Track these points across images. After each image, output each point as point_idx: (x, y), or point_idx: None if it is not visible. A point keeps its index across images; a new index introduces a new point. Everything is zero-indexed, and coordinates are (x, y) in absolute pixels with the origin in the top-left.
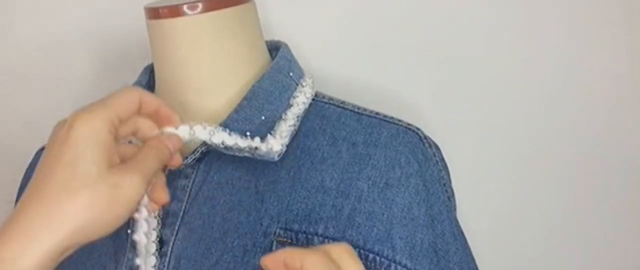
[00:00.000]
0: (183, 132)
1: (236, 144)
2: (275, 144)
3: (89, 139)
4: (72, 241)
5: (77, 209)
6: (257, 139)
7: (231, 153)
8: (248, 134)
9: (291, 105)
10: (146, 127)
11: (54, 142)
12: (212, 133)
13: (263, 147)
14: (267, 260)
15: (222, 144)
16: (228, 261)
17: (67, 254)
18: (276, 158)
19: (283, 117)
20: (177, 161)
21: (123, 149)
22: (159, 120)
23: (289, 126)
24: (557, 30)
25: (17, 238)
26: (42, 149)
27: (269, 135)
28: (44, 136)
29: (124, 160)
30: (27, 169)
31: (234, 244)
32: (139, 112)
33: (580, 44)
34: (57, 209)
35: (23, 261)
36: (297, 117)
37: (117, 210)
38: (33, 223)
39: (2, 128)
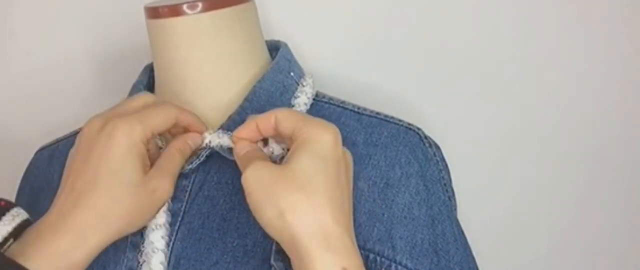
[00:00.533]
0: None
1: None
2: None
3: (129, 150)
4: (114, 238)
5: (122, 212)
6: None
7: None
8: None
9: (292, 106)
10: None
11: (93, 146)
12: (221, 139)
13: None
14: (240, 133)
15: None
16: (228, 261)
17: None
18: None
19: None
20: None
21: (149, 151)
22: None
23: None
24: (558, 30)
25: (67, 235)
26: (42, 148)
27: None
28: (44, 136)
29: (151, 161)
30: (27, 169)
31: (234, 244)
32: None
33: (581, 43)
34: (106, 214)
35: (73, 254)
36: None
37: (152, 211)
38: (82, 223)
39: (2, 128)
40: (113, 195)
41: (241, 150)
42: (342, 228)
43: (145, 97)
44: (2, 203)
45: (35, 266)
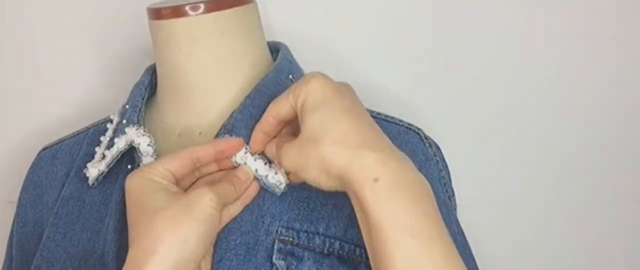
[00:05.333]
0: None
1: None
2: (283, 178)
3: (144, 186)
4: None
5: (168, 233)
6: (267, 166)
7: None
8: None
9: None
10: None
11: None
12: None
13: (271, 179)
14: (255, 141)
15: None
16: (230, 259)
17: None
18: (279, 193)
19: None
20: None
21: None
22: (225, 156)
23: None
24: (558, 30)
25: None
26: (45, 149)
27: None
28: (45, 136)
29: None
30: (30, 168)
31: (237, 242)
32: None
33: (581, 44)
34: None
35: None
36: None
37: (197, 224)
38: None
39: (3, 128)
40: (153, 224)
41: (270, 149)
42: (373, 138)
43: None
44: None
45: None
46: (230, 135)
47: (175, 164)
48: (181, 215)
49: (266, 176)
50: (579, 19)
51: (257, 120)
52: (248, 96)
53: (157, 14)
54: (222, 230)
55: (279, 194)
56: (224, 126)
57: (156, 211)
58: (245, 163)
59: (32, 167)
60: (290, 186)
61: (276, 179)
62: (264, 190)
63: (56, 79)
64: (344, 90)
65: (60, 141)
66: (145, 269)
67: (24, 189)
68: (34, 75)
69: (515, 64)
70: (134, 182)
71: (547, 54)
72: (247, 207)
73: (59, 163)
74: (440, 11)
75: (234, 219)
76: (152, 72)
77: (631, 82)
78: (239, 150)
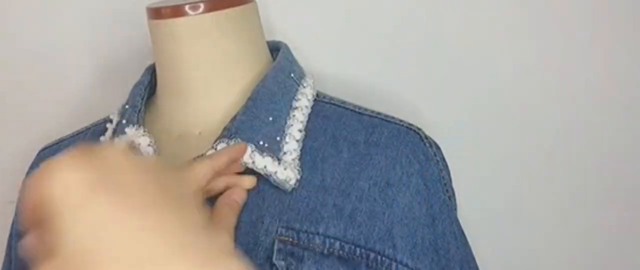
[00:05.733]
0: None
1: (265, 167)
2: (292, 174)
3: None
4: None
5: None
6: (275, 163)
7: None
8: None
9: (295, 108)
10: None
11: None
12: (265, 160)
13: (280, 175)
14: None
15: (265, 168)
16: None
17: None
18: (289, 189)
19: (289, 130)
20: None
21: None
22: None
23: (297, 141)
24: (558, 30)
25: None
26: (44, 149)
27: (283, 158)
28: (44, 136)
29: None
30: (30, 168)
31: (236, 243)
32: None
33: (581, 43)
34: None
35: None
36: (303, 124)
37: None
38: None
39: (3, 128)
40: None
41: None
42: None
43: (191, 164)
44: None
45: None
46: (232, 138)
47: (198, 184)
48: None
49: (275, 173)
50: (580, 18)
51: (260, 120)
52: (250, 98)
53: (156, 13)
54: None
55: (289, 190)
56: (226, 129)
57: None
58: (253, 162)
59: (31, 167)
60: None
61: (286, 175)
62: (263, 190)
63: (56, 79)
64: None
65: (60, 141)
66: None
67: (23, 189)
68: (34, 75)
69: (515, 64)
70: None
71: (548, 53)
72: (246, 207)
73: None
74: (441, 11)
75: None
76: (151, 71)
77: (633, 82)
78: (245, 152)
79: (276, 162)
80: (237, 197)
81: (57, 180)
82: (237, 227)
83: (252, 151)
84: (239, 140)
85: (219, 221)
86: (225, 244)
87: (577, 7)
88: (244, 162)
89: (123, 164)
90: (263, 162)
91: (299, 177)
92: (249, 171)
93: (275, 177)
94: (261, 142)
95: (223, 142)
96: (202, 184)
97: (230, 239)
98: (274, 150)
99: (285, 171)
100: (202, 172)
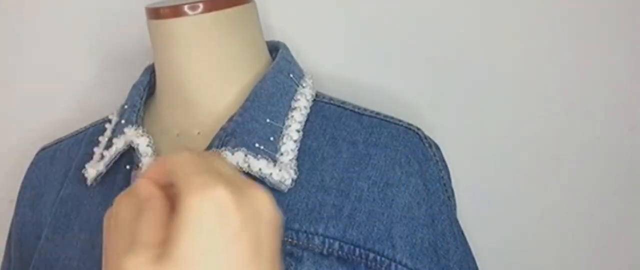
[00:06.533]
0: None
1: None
2: (287, 174)
3: None
4: None
5: None
6: (271, 164)
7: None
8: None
9: (293, 109)
10: None
11: None
12: (238, 158)
13: (275, 176)
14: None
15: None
16: None
17: None
18: (285, 189)
19: (287, 131)
20: None
21: None
22: None
23: (294, 141)
24: (558, 30)
25: None
26: (43, 149)
27: (279, 159)
28: (44, 136)
29: None
30: (29, 169)
31: None
32: None
33: (581, 44)
34: None
35: None
36: (301, 124)
37: None
38: None
39: (2, 128)
40: None
41: None
42: None
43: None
44: None
45: None
46: (231, 137)
47: None
48: None
49: (270, 174)
50: (581, 19)
51: (257, 122)
52: (247, 99)
53: (155, 13)
54: None
55: (285, 191)
56: (223, 129)
57: None
58: (248, 166)
59: (30, 167)
60: (296, 182)
61: (281, 176)
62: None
63: (55, 79)
64: (260, 223)
65: (59, 141)
66: None
67: (23, 189)
68: (33, 75)
69: (515, 64)
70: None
71: (548, 53)
72: None
73: (57, 163)
74: (441, 11)
75: None
76: (150, 72)
77: (634, 83)
78: None
79: (271, 164)
80: None
81: (213, 198)
82: None
83: (246, 155)
84: (234, 144)
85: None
86: None
87: (578, 8)
88: (239, 167)
89: (269, 217)
90: (258, 165)
91: (294, 177)
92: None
93: (270, 179)
94: (257, 145)
95: (219, 143)
96: None
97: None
98: (270, 152)
99: (280, 172)
100: None
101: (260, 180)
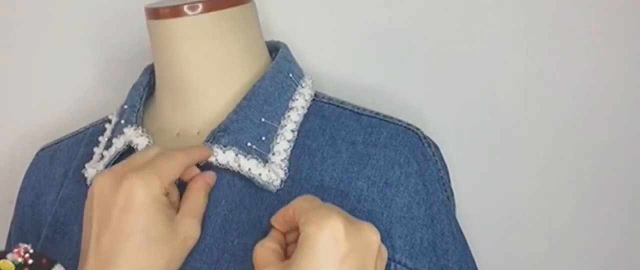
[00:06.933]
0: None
1: (250, 169)
2: (275, 175)
3: (153, 206)
4: None
5: (161, 264)
6: (260, 165)
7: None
8: (253, 153)
9: (291, 108)
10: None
11: (112, 206)
12: (228, 157)
13: (264, 177)
14: (275, 222)
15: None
16: (228, 260)
17: None
18: (273, 190)
19: (281, 131)
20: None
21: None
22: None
23: (288, 141)
24: (559, 32)
25: None
26: (43, 149)
27: (270, 158)
28: (44, 136)
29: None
30: (28, 169)
31: (235, 243)
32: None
33: (581, 43)
34: (144, 267)
35: None
36: (296, 124)
37: (183, 257)
38: None
39: (2, 128)
40: (147, 252)
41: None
42: None
43: (154, 149)
44: (44, 261)
45: None
46: (223, 134)
47: (174, 175)
48: (174, 262)
49: (259, 175)
50: (582, 18)
51: (251, 121)
52: (244, 97)
53: (155, 13)
54: (220, 230)
55: (274, 191)
56: (218, 126)
57: (152, 241)
58: (238, 165)
59: (30, 167)
60: (285, 182)
61: (269, 177)
62: (262, 191)
63: (54, 79)
64: (366, 253)
65: (59, 141)
66: None
67: (22, 189)
68: (33, 75)
69: (515, 64)
70: (140, 193)
71: (548, 53)
72: (244, 207)
73: (57, 163)
74: (441, 11)
75: (232, 220)
76: (150, 72)
77: (634, 82)
78: (208, 157)
79: (262, 164)
80: (210, 180)
81: (328, 226)
82: (235, 227)
83: (237, 155)
84: (226, 142)
85: (189, 210)
86: (184, 238)
87: (578, 10)
88: (229, 166)
89: (373, 249)
90: (247, 165)
91: (283, 178)
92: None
93: (258, 179)
94: (248, 144)
95: (212, 139)
96: (175, 177)
97: (196, 227)
98: (262, 151)
99: (269, 173)
100: (177, 166)
101: (249, 180)
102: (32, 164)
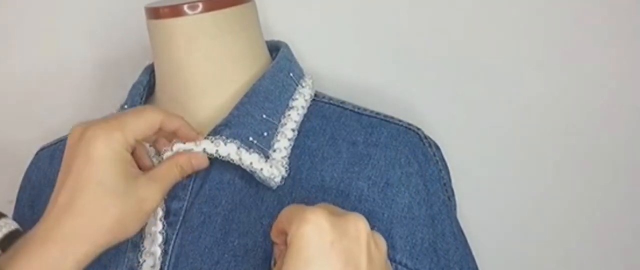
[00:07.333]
0: (201, 147)
1: (251, 163)
2: (277, 171)
3: (111, 159)
4: (103, 248)
5: (111, 222)
6: (262, 160)
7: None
8: (254, 147)
9: (291, 108)
10: (162, 142)
11: (74, 156)
12: (218, 147)
13: (265, 172)
14: (274, 237)
15: (228, 155)
16: (229, 260)
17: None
18: (274, 186)
19: (282, 129)
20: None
21: (144, 162)
22: (178, 137)
23: (289, 140)
24: (560, 32)
25: (57, 246)
26: (42, 149)
27: (271, 155)
28: (44, 136)
29: (144, 169)
30: (28, 169)
31: (235, 244)
32: (158, 131)
33: (581, 44)
34: (93, 223)
35: (61, 265)
36: (297, 124)
37: (141, 220)
38: (71, 233)
39: (3, 128)
40: (100, 204)
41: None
42: None
43: (139, 108)
44: None
45: None
46: (225, 128)
47: (141, 131)
48: (128, 220)
49: (261, 169)
50: (582, 18)
51: (252, 117)
52: (245, 95)
53: (155, 13)
54: (220, 230)
55: (275, 187)
56: (221, 122)
57: (107, 194)
58: (240, 158)
59: (29, 167)
60: (285, 182)
61: (270, 172)
62: (261, 191)
63: (55, 79)
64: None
65: (58, 141)
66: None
67: (22, 189)
68: (33, 75)
69: (515, 64)
70: (100, 146)
71: (548, 53)
72: (244, 207)
73: (56, 163)
74: (441, 11)
75: (232, 220)
76: (150, 71)
77: (634, 82)
78: (195, 139)
79: (263, 159)
80: (196, 161)
81: (312, 220)
82: (236, 227)
83: (239, 148)
84: (228, 135)
85: (157, 176)
86: (142, 199)
87: (579, 10)
88: (230, 159)
89: (362, 236)
90: (249, 159)
91: (284, 175)
92: (235, 173)
93: (260, 174)
94: (250, 138)
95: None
96: (143, 135)
97: (158, 193)
98: (263, 147)
99: (270, 169)
100: (146, 123)
101: (249, 180)
102: (31, 164)
